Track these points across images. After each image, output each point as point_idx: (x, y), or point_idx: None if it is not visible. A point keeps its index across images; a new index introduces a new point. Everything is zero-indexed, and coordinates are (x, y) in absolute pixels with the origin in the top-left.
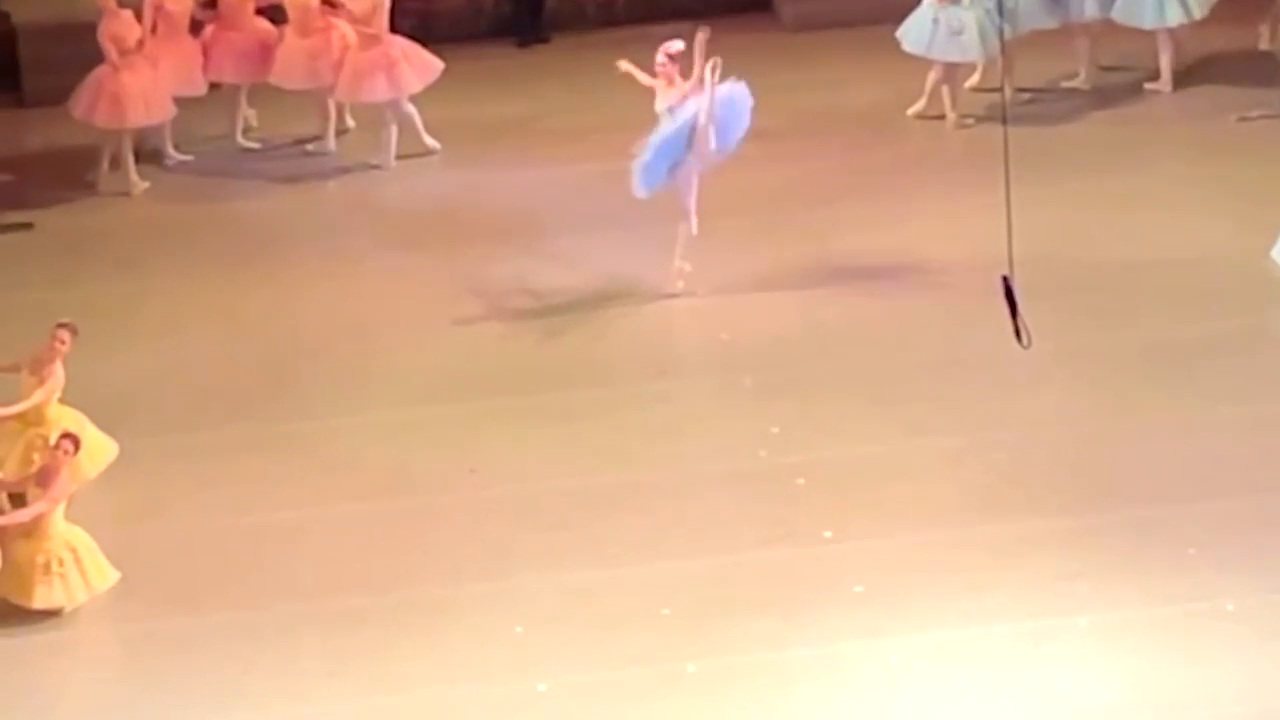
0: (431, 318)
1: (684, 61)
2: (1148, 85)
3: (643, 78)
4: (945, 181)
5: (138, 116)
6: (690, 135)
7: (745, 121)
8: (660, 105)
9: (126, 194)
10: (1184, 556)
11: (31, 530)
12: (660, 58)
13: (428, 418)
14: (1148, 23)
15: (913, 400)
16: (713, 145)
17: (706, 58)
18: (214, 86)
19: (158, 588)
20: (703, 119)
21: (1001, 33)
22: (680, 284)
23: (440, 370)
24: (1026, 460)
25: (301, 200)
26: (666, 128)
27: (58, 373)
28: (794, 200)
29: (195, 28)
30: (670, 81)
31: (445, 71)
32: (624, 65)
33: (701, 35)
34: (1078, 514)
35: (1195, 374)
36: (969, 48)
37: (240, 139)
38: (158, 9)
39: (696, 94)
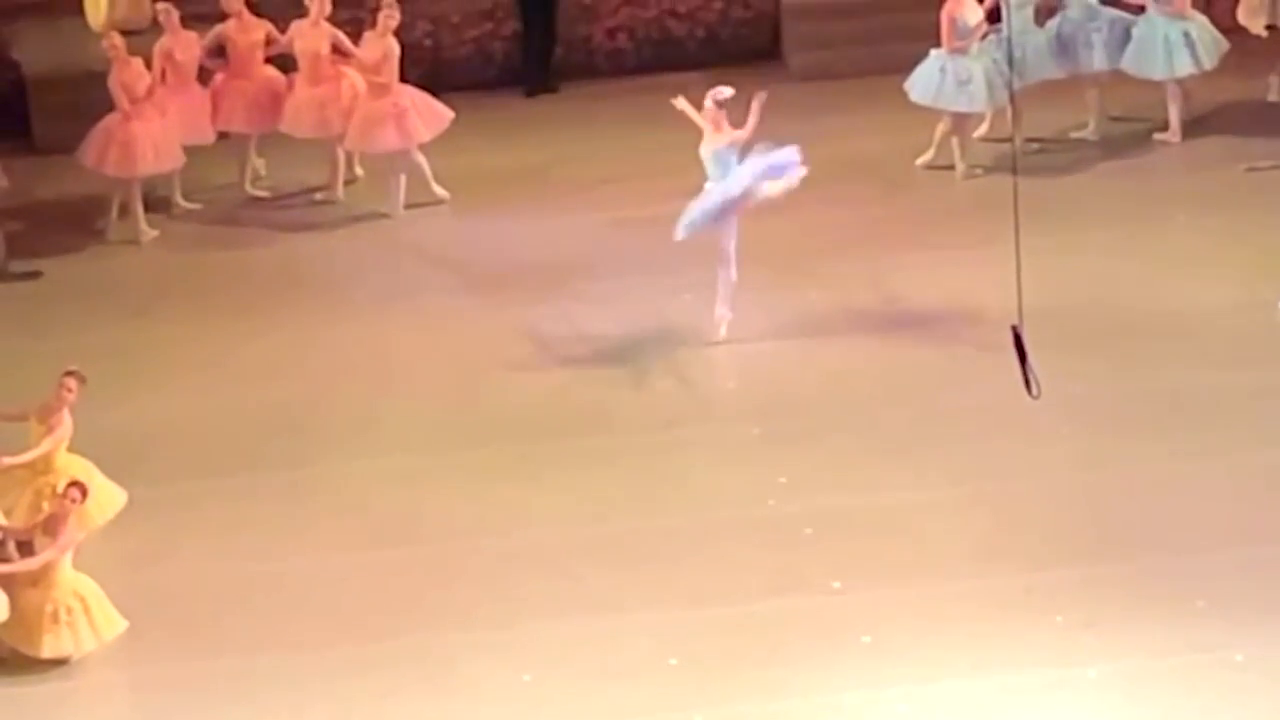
0: (439, 366)
1: (732, 110)
2: (1157, 136)
3: (695, 116)
4: (954, 232)
5: (147, 165)
6: (738, 201)
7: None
8: (705, 150)
9: (135, 242)
10: (1193, 607)
11: (39, 579)
12: (708, 102)
13: (436, 465)
14: (1157, 73)
15: (921, 450)
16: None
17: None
18: (223, 135)
19: (166, 636)
20: (750, 183)
21: (1010, 83)
22: (722, 331)
23: (447, 418)
24: (1035, 510)
25: (310, 249)
26: (716, 198)
27: (66, 421)
28: (801, 250)
29: (204, 76)
30: (717, 127)
31: (454, 121)
32: (679, 103)
33: (760, 96)
34: (1086, 564)
35: (1204, 424)
36: (976, 98)
37: (249, 188)
38: (167, 57)
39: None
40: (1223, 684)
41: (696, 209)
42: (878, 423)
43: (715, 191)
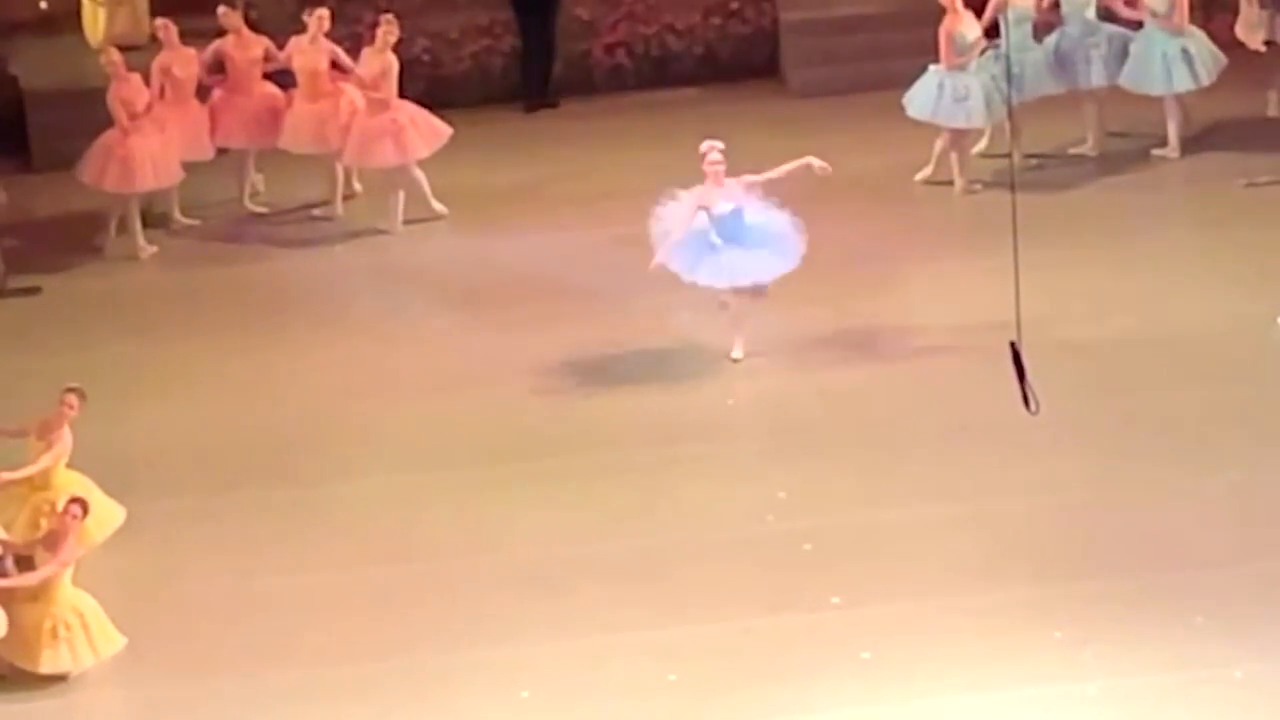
0: (438, 382)
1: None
2: (1155, 151)
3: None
4: (953, 247)
5: (146, 181)
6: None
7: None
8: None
9: (134, 258)
10: (1191, 624)
11: (38, 594)
12: (715, 155)
13: (435, 482)
14: (1155, 89)
15: (920, 466)
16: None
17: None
18: (222, 151)
19: (164, 653)
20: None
21: (1009, 99)
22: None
23: (447, 435)
24: (1034, 526)
25: (309, 265)
26: (702, 276)
27: (65, 437)
28: (800, 266)
29: (203, 92)
30: (718, 182)
31: (453, 137)
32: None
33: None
34: (1085, 580)
35: (1202, 440)
36: (975, 113)
37: (248, 203)
38: (166, 73)
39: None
40: (1221, 700)
41: (685, 260)
42: (876, 439)
43: (705, 269)
